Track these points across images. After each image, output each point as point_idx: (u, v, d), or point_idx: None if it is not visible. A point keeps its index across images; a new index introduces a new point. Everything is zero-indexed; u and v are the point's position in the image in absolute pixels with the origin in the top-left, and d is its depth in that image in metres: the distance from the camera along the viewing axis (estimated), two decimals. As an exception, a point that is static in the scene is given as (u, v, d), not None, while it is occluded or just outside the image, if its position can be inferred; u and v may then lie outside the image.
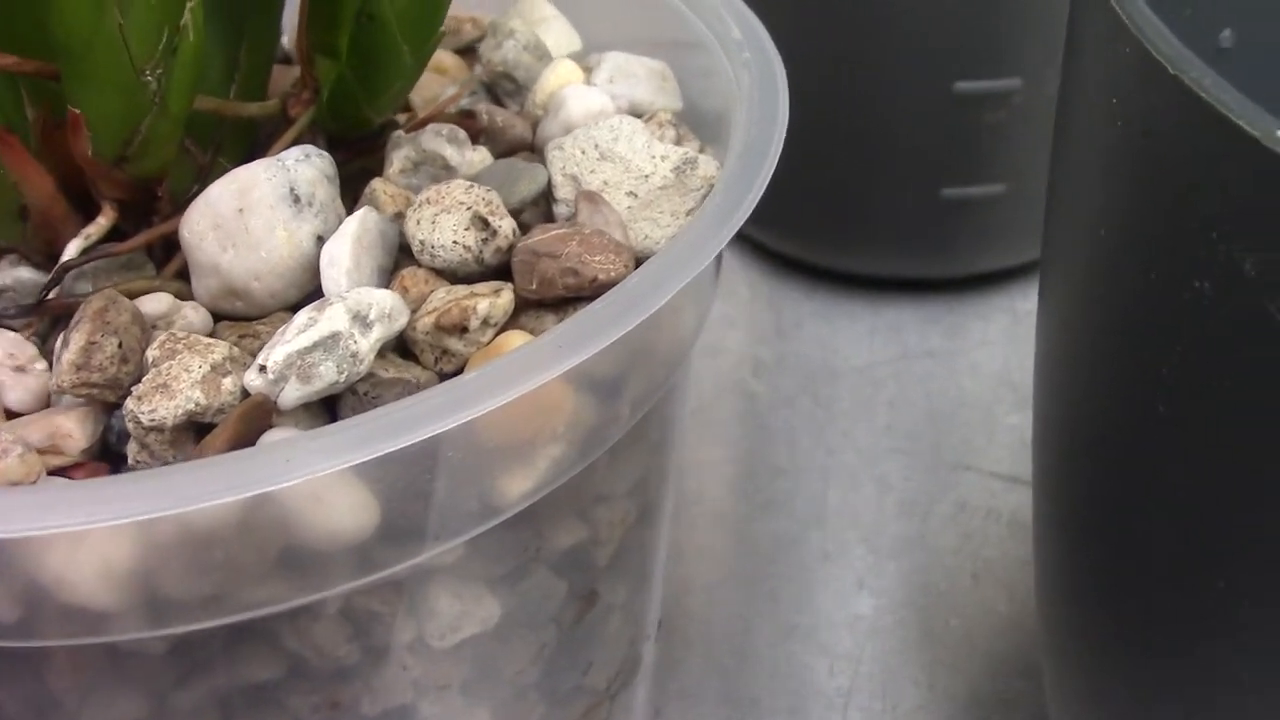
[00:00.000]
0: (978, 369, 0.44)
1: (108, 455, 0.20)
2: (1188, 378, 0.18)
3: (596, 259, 0.21)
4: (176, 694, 0.20)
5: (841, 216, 0.45)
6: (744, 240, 0.49)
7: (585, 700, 0.25)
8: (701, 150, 0.25)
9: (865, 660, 0.35)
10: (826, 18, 0.40)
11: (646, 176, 0.23)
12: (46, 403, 0.21)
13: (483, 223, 0.21)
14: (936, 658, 0.35)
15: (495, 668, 0.23)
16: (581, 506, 0.22)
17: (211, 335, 0.21)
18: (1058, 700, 0.28)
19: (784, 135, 0.22)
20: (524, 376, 0.18)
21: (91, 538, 0.17)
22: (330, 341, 0.19)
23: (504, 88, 0.27)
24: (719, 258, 0.24)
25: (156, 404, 0.19)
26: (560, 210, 0.23)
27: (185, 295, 0.22)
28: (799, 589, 0.37)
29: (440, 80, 0.28)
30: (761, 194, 0.21)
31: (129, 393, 0.19)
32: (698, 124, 0.26)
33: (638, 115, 0.25)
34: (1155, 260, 0.18)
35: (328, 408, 0.20)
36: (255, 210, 0.21)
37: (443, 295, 0.21)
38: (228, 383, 0.19)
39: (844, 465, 0.41)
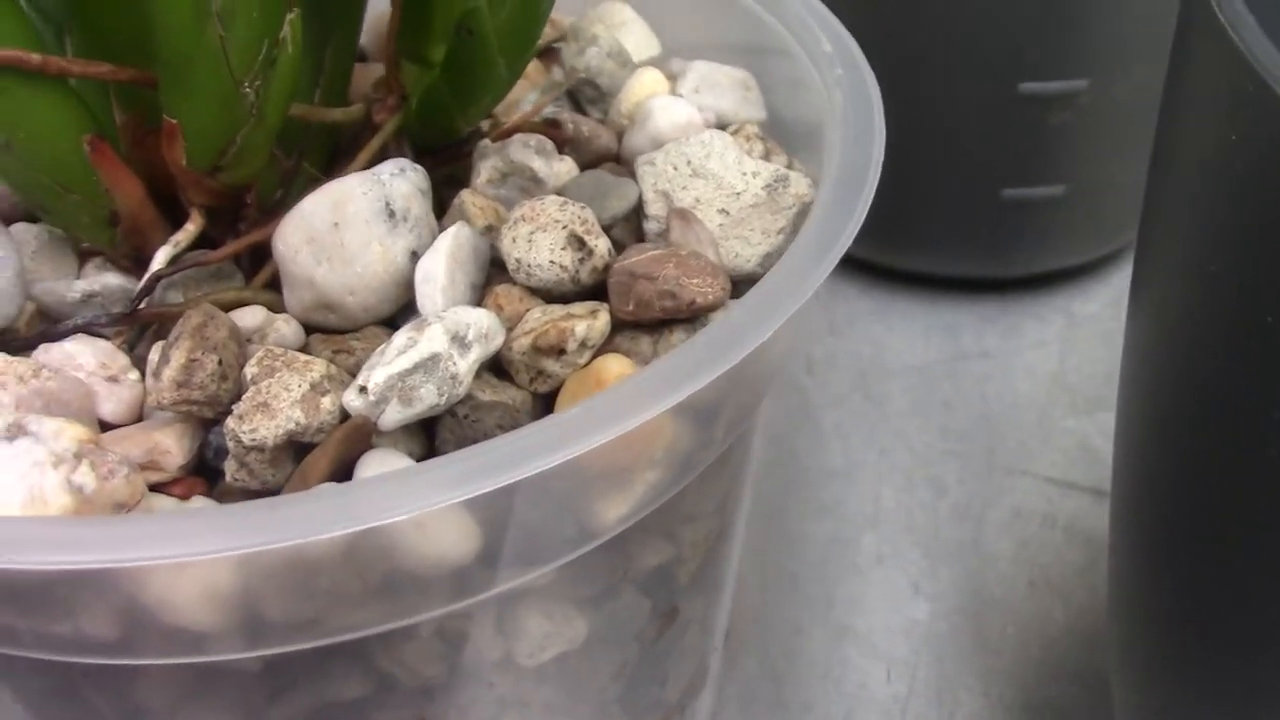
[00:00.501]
0: (1033, 371, 0.43)
1: (204, 470, 0.20)
2: (1305, 425, 0.17)
3: (694, 282, 0.20)
4: (268, 710, 0.20)
5: (899, 215, 0.45)
6: (796, 234, 0.48)
7: (659, 713, 0.26)
8: (790, 165, 0.24)
9: (921, 666, 0.35)
10: (891, 16, 0.40)
11: (738, 194, 0.23)
12: (139, 414, 0.21)
13: (579, 242, 0.21)
14: (992, 665, 0.35)
15: (579, 684, 0.23)
16: (670, 527, 0.22)
17: (304, 349, 0.21)
18: (1125, 712, 0.28)
19: (882, 157, 0.22)
20: (630, 413, 0.18)
21: (197, 564, 0.17)
22: (430, 363, 0.19)
23: (586, 94, 0.26)
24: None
25: (258, 423, 0.19)
26: (651, 227, 0.23)
27: (276, 307, 0.22)
28: (852, 592, 0.37)
29: (521, 85, 0.28)
30: (861, 221, 0.21)
31: (228, 410, 0.19)
32: (783, 135, 0.26)
33: (723, 127, 0.25)
34: (1272, 306, 0.17)
35: (425, 428, 0.20)
36: (350, 225, 0.21)
37: (539, 315, 0.20)
38: (326, 402, 0.19)
39: (897, 466, 0.41)
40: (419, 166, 0.22)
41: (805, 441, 0.42)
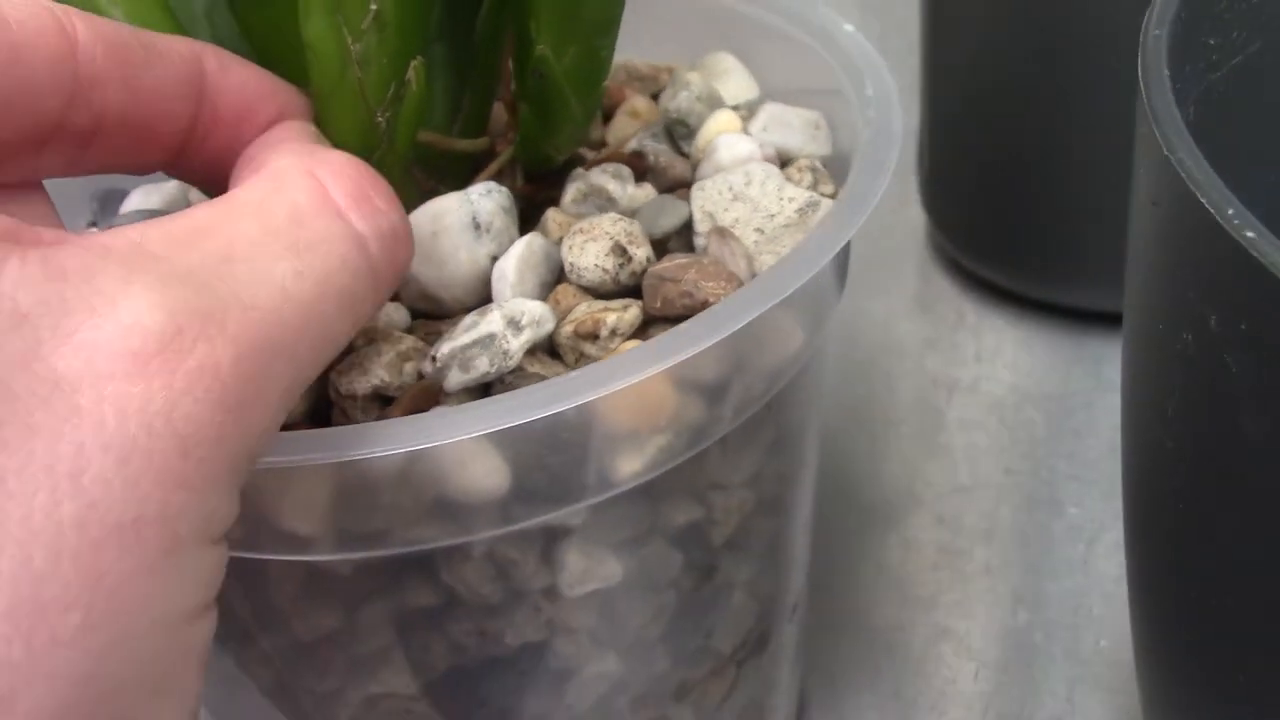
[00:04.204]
0: (1169, 405, 0.45)
1: (317, 417, 0.26)
2: (1183, 417, 0.20)
3: (709, 284, 0.25)
4: (361, 611, 0.26)
5: (1049, 247, 0.47)
6: (956, 268, 0.51)
7: (710, 662, 0.30)
8: (834, 194, 0.28)
9: (1010, 669, 0.38)
10: (1039, 41, 0.42)
11: (773, 215, 0.27)
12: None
13: (621, 250, 0.26)
14: (1080, 674, 0.37)
15: (620, 619, 0.27)
16: (697, 490, 0.26)
17: (409, 330, 0.27)
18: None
19: (887, 184, 0.25)
20: (624, 373, 0.22)
21: (297, 476, 0.23)
22: (487, 340, 0.24)
23: (679, 131, 0.31)
24: (835, 288, 0.28)
25: (354, 378, 0.24)
26: (699, 241, 0.27)
27: (395, 296, 0.27)
28: (957, 598, 0.40)
29: (634, 122, 0.33)
30: (852, 235, 0.24)
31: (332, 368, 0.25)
32: (843, 170, 0.30)
33: (788, 160, 0.29)
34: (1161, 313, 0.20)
35: (484, 391, 0.25)
36: (445, 234, 0.26)
37: (583, 308, 0.25)
38: (409, 367, 0.25)
39: (1019, 487, 0.43)
40: (503, 188, 0.27)
41: (934, 461, 0.44)
